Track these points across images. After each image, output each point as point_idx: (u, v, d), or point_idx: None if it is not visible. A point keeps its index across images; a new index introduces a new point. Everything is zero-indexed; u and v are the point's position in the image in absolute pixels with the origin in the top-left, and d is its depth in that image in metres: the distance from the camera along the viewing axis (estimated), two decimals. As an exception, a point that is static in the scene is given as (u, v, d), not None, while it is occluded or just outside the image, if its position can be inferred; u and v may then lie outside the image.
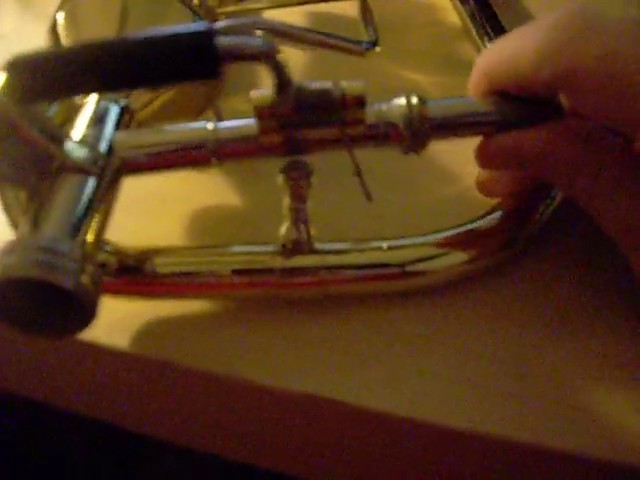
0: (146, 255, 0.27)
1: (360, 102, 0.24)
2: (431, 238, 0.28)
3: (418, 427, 0.25)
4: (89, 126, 0.26)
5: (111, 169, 0.25)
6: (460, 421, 0.25)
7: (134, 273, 0.27)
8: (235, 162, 0.26)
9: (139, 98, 0.28)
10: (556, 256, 0.30)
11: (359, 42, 0.29)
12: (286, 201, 0.27)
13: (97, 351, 0.27)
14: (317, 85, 0.24)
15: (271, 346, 0.27)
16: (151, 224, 0.31)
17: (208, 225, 0.31)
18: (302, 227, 0.27)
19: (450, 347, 0.27)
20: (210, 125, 0.25)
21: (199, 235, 0.31)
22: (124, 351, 0.27)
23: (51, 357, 0.29)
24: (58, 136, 0.24)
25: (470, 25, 0.39)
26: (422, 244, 0.28)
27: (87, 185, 0.24)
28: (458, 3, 0.41)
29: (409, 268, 0.28)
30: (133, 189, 0.27)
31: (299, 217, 0.27)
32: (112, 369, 0.29)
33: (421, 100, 0.25)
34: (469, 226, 0.29)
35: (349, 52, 0.29)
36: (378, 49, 0.30)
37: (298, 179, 0.26)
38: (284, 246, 0.27)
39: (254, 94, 0.24)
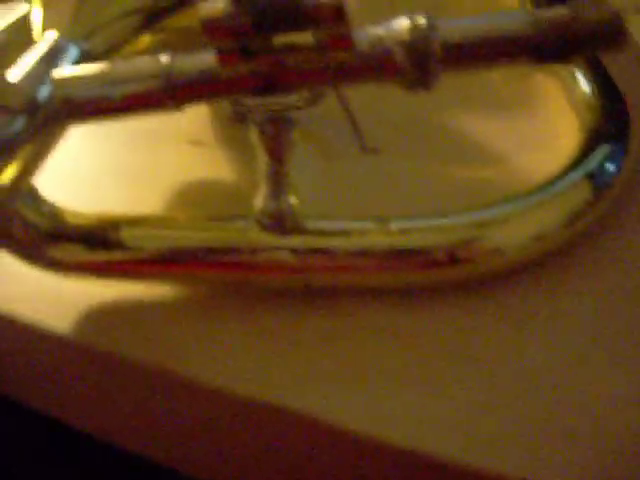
0: (99, 223, 0.23)
1: (338, 14, 0.18)
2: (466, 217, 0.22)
3: (411, 459, 0.18)
4: (35, 65, 0.22)
5: (47, 110, 0.21)
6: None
7: (81, 244, 0.22)
8: (197, 105, 0.21)
9: (107, 40, 0.24)
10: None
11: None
12: (262, 161, 0.21)
13: (33, 335, 0.23)
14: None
15: (239, 344, 0.21)
16: (129, 193, 0.27)
17: (192, 200, 0.26)
18: (282, 198, 0.21)
19: (468, 364, 0.20)
20: (165, 58, 0.20)
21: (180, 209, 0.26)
22: (63, 336, 0.22)
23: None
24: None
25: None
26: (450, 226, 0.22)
27: (14, 124, 0.20)
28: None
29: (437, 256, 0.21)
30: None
31: (278, 183, 0.21)
32: (48, 356, 0.24)
33: (430, 21, 0.19)
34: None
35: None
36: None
37: (276, 132, 0.21)
38: (258, 220, 0.22)
39: (203, 7, 0.19)
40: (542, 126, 0.27)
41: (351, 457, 0.20)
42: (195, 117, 0.29)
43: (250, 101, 0.27)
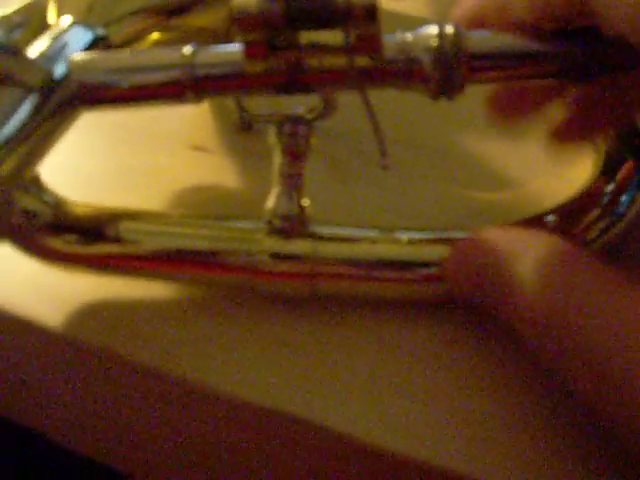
0: (99, 215, 0.22)
1: (370, 14, 0.18)
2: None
3: (402, 463, 0.18)
4: (50, 46, 0.21)
5: (61, 93, 0.20)
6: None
7: (81, 235, 0.22)
8: (218, 99, 0.21)
9: (123, 29, 0.23)
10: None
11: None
12: (277, 162, 0.21)
13: (23, 329, 0.22)
14: (316, -13, 0.18)
15: (236, 348, 0.21)
16: (128, 198, 0.26)
17: (192, 205, 0.26)
18: (295, 199, 0.21)
19: (461, 374, 0.20)
20: (188, 49, 0.20)
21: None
22: (55, 331, 0.21)
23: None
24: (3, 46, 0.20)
25: None
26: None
27: (25, 103, 0.19)
28: None
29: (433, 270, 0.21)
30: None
31: (293, 185, 0.21)
32: (38, 353, 0.23)
33: (458, 31, 0.19)
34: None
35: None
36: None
37: (294, 134, 0.20)
38: (270, 222, 0.21)
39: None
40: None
41: (337, 457, 0.19)
42: (199, 122, 0.29)
43: (257, 109, 0.28)
